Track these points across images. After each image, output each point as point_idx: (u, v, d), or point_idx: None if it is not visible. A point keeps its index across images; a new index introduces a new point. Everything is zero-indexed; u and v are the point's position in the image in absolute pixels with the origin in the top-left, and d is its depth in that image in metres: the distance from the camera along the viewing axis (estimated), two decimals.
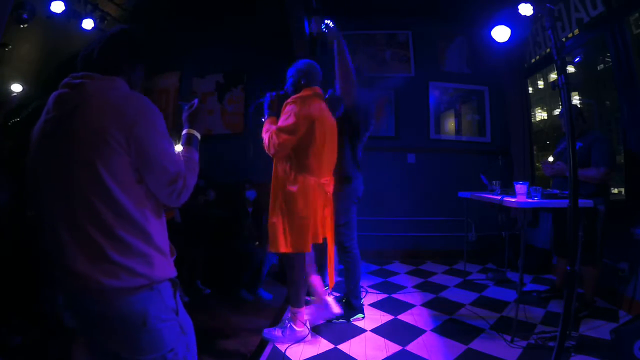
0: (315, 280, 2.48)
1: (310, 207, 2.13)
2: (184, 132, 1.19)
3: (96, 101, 0.93)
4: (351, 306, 2.64)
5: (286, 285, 2.57)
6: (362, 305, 2.71)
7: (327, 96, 2.41)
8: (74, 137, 0.91)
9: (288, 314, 2.39)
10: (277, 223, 2.15)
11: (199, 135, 1.21)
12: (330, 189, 2.28)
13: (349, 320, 2.60)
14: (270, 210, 2.21)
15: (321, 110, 2.21)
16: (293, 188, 2.12)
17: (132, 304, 0.92)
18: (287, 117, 2.11)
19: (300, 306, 2.31)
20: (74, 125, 0.91)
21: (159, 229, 1.00)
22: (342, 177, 2.58)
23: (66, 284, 0.93)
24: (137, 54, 1.09)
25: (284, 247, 2.15)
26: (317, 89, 2.27)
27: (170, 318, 0.99)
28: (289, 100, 2.19)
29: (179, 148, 1.16)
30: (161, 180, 0.98)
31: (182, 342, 1.02)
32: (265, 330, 2.34)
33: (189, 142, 1.18)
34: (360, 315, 2.64)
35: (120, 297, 0.91)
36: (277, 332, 2.30)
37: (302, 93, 2.23)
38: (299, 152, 2.13)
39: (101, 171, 0.89)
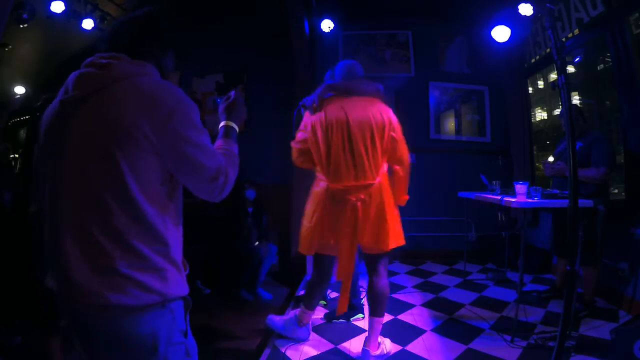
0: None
1: (317, 212, 2.05)
2: (221, 124, 1.10)
3: (126, 87, 0.82)
4: (351, 305, 2.63)
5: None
6: (362, 304, 2.71)
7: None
8: (95, 123, 0.80)
9: (297, 310, 2.34)
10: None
11: (237, 127, 1.12)
12: (354, 197, 1.98)
13: (349, 320, 2.61)
14: None
15: (334, 111, 2.05)
16: (311, 192, 2.15)
17: (141, 325, 0.79)
18: None
19: (309, 309, 2.28)
20: (97, 109, 0.80)
21: (176, 240, 0.89)
22: None
23: (65, 295, 0.81)
24: (168, 39, 1.00)
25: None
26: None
27: (179, 342, 0.87)
28: None
29: None
30: (202, 178, 0.88)
31: None
32: (270, 316, 2.36)
33: (227, 134, 1.08)
34: (360, 315, 2.64)
35: (128, 315, 0.78)
36: (279, 322, 2.31)
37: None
38: (314, 157, 2.11)
39: (122, 165, 0.77)
